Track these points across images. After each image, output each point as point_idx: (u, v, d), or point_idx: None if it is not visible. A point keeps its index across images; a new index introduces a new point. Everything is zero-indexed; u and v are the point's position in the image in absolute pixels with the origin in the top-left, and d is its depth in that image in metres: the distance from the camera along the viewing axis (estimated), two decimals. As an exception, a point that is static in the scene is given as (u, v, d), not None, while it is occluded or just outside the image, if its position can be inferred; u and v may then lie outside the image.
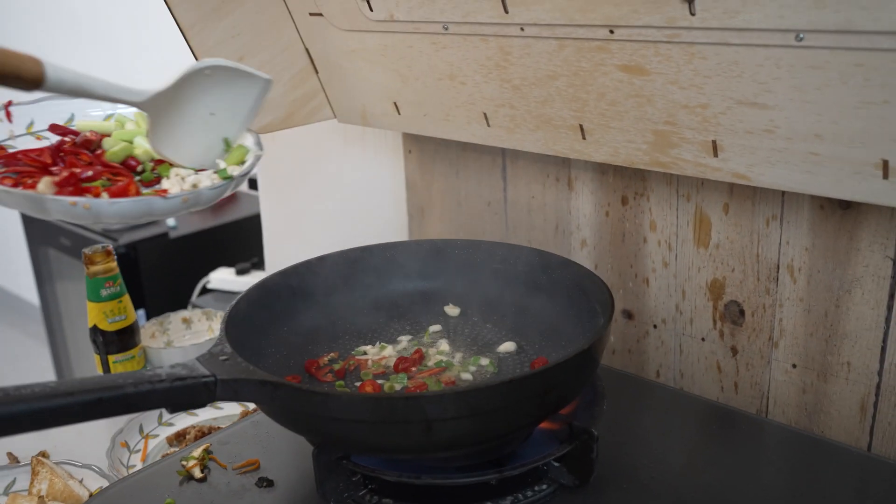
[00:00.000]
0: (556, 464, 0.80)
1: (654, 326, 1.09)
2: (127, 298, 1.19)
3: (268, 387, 0.71)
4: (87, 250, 1.16)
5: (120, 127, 0.92)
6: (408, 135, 1.30)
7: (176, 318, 1.39)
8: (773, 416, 0.99)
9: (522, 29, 0.91)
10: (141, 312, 2.18)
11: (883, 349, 0.87)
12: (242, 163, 0.88)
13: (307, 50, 1.17)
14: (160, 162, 0.87)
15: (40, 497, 0.96)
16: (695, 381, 1.06)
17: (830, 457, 0.86)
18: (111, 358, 1.18)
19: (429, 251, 1.05)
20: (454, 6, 0.94)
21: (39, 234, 2.41)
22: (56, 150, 0.84)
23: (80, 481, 1.00)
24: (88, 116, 0.93)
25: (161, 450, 1.08)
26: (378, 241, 1.06)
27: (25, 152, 0.82)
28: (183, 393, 0.69)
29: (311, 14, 1.11)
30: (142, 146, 0.88)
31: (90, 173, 0.80)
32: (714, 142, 0.84)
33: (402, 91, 1.11)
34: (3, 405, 0.59)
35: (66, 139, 0.88)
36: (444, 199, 1.29)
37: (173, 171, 0.86)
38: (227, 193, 0.86)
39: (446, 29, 0.98)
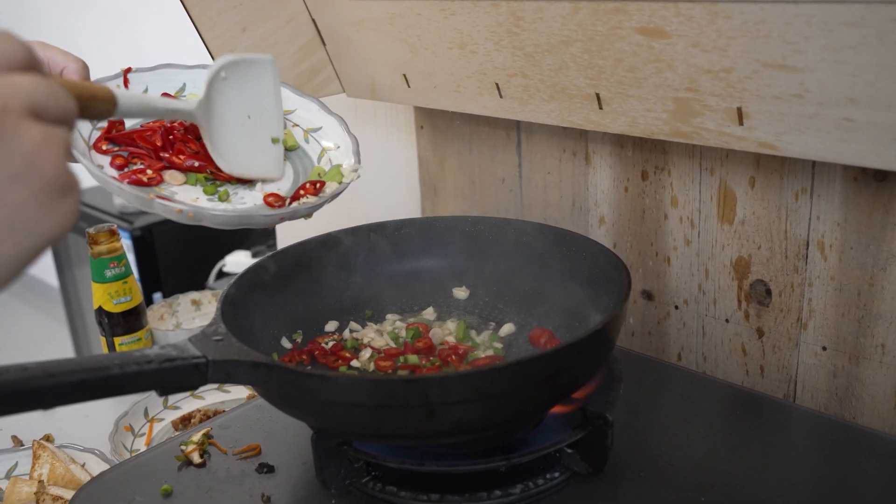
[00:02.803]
0: (568, 450, 0.76)
1: (676, 307, 1.04)
2: (133, 279, 1.16)
3: (261, 369, 0.68)
4: (91, 230, 1.13)
5: None
6: (419, 110, 1.26)
7: (185, 299, 1.37)
8: (802, 402, 0.94)
9: (535, -8, 0.86)
10: (158, 296, 2.16)
11: (920, 330, 0.81)
12: (341, 180, 0.87)
13: (314, 21, 1.13)
14: None
15: (40, 482, 0.94)
16: (718, 365, 1.01)
17: (862, 444, 0.81)
18: (117, 340, 1.15)
19: (439, 229, 1.01)
20: (463, -31, 0.89)
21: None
22: (167, 132, 0.84)
23: (83, 465, 0.98)
24: (197, 87, 0.91)
25: (166, 434, 1.06)
26: (390, 219, 1.02)
27: (140, 133, 0.83)
28: (172, 375, 0.66)
29: (316, -18, 1.07)
30: None
31: (196, 164, 0.82)
32: (739, 109, 0.79)
33: (412, 62, 1.06)
34: (-22, 387, 0.56)
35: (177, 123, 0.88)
36: (458, 176, 1.24)
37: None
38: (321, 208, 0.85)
39: (455, -6, 0.93)
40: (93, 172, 0.75)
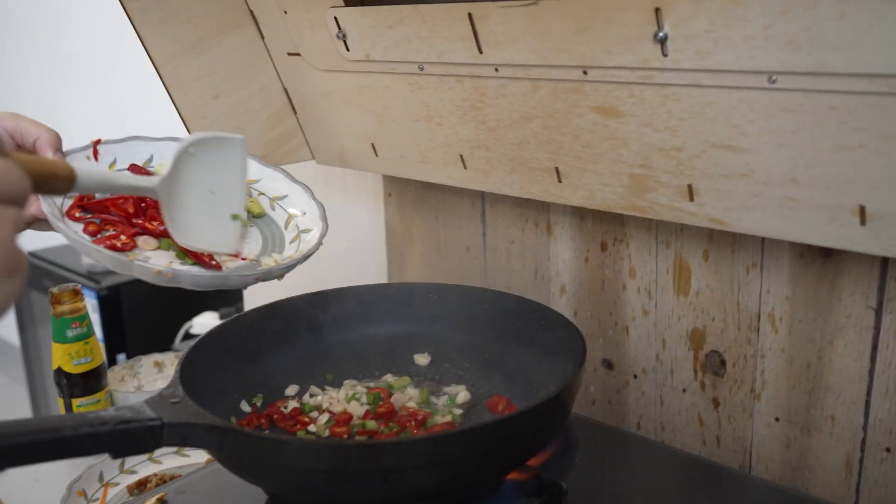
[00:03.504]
0: (522, 519, 0.77)
1: (635, 376, 1.06)
2: (94, 339, 1.16)
3: (217, 432, 0.68)
4: (54, 289, 1.13)
5: None
6: (388, 177, 1.29)
7: (148, 361, 1.36)
8: (757, 472, 0.95)
9: (497, 70, 0.90)
10: (122, 356, 2.14)
11: (867, 403, 0.84)
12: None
13: (285, 89, 1.16)
14: None
15: (-12, 547, 0.92)
16: (676, 434, 1.03)
17: (813, 516, 0.82)
18: (75, 402, 1.14)
19: (402, 295, 1.03)
20: (429, 46, 0.93)
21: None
22: (139, 200, 0.86)
23: (33, 531, 0.96)
24: (164, 158, 0.93)
25: (121, 499, 1.04)
26: (357, 284, 1.04)
27: (112, 201, 0.85)
28: (126, 437, 0.66)
29: (289, 54, 1.11)
30: None
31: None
32: (690, 185, 0.82)
33: (380, 132, 1.09)
34: (-72, 446, 0.56)
35: None
36: (424, 243, 1.27)
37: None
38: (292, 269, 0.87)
39: (422, 69, 0.97)
40: (70, 238, 0.77)
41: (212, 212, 0.82)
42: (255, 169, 0.95)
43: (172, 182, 0.76)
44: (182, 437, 0.68)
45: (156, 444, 0.67)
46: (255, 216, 0.92)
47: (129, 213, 0.85)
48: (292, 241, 0.91)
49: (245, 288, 0.86)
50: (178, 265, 0.82)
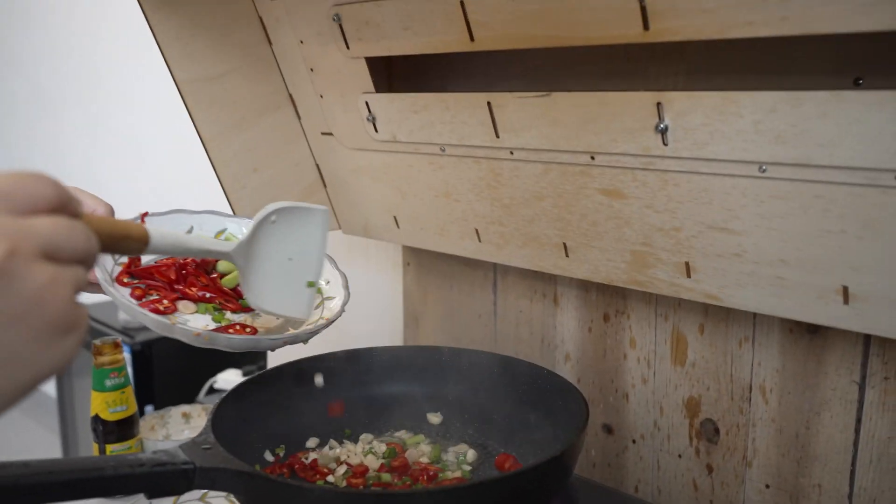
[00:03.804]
0: (526, 572, 0.76)
1: (634, 441, 1.06)
2: (130, 390, 1.17)
3: (244, 477, 0.69)
4: (97, 341, 1.15)
5: None
6: (407, 248, 1.31)
7: (176, 412, 1.36)
8: (748, 537, 0.94)
9: (512, 153, 0.93)
10: (150, 408, 2.14)
11: (852, 473, 0.84)
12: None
13: (317, 165, 1.20)
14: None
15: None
16: (672, 498, 1.02)
17: (802, 580, 0.81)
18: (109, 447, 1.14)
19: (417, 357, 1.04)
20: (450, 130, 0.96)
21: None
22: (180, 267, 0.88)
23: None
24: (204, 230, 0.95)
25: (146, 541, 1.04)
26: (374, 346, 1.05)
27: (156, 268, 0.87)
28: (162, 478, 0.67)
29: (322, 133, 1.14)
30: None
31: (207, 295, 0.87)
32: (687, 263, 0.84)
33: (402, 206, 1.12)
34: (-20, 480, 0.57)
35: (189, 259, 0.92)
36: (438, 310, 1.28)
37: None
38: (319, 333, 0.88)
39: (443, 150, 1.00)
40: (119, 302, 0.78)
41: (288, 278, 0.80)
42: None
43: (250, 247, 0.75)
44: (212, 480, 0.69)
45: (188, 486, 0.68)
46: None
47: (171, 279, 0.87)
48: (317, 307, 0.92)
49: (273, 350, 0.87)
50: (213, 328, 0.83)
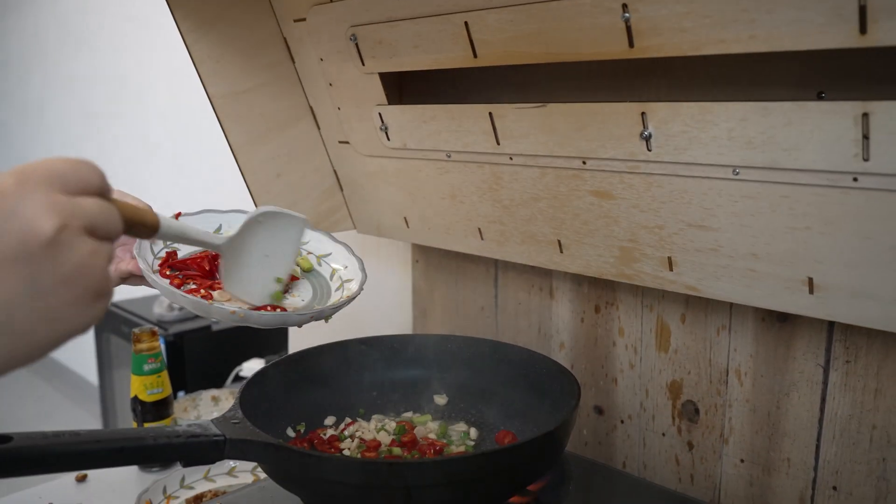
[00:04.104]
0: (523, 535, 0.78)
1: (622, 421, 1.08)
2: (165, 374, 1.20)
3: (270, 448, 0.71)
4: (136, 330, 1.18)
5: None
6: (416, 246, 1.34)
7: (206, 395, 1.39)
8: (726, 508, 0.96)
9: (511, 158, 0.95)
10: (181, 394, 2.17)
11: (817, 447, 0.85)
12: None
13: (335, 171, 1.22)
14: (293, 278, 0.93)
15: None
16: (656, 472, 1.04)
17: (773, 545, 0.83)
18: (146, 425, 1.18)
19: (425, 344, 1.06)
20: (456, 138, 0.99)
21: (103, 320, 2.44)
22: (213, 258, 0.91)
23: (105, 534, 0.98)
24: (231, 227, 0.98)
25: (180, 510, 1.06)
26: (386, 334, 1.07)
27: (192, 260, 0.91)
28: (196, 448, 0.69)
29: (339, 142, 1.17)
30: None
31: None
32: (669, 258, 0.86)
33: (412, 208, 1.15)
34: (42, 446, 0.60)
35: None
36: (444, 303, 1.31)
37: (294, 287, 0.93)
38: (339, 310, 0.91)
39: (449, 157, 1.02)
40: (163, 289, 0.81)
41: (261, 271, 0.85)
42: (305, 233, 1.00)
43: (236, 241, 0.80)
44: (241, 451, 0.72)
45: (219, 456, 0.71)
46: (305, 270, 0.96)
47: (206, 269, 0.90)
48: (337, 290, 0.95)
49: (300, 326, 0.89)
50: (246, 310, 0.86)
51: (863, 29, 0.59)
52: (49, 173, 0.42)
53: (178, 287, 0.86)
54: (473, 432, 0.96)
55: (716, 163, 0.75)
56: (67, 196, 0.42)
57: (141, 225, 0.58)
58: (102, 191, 0.45)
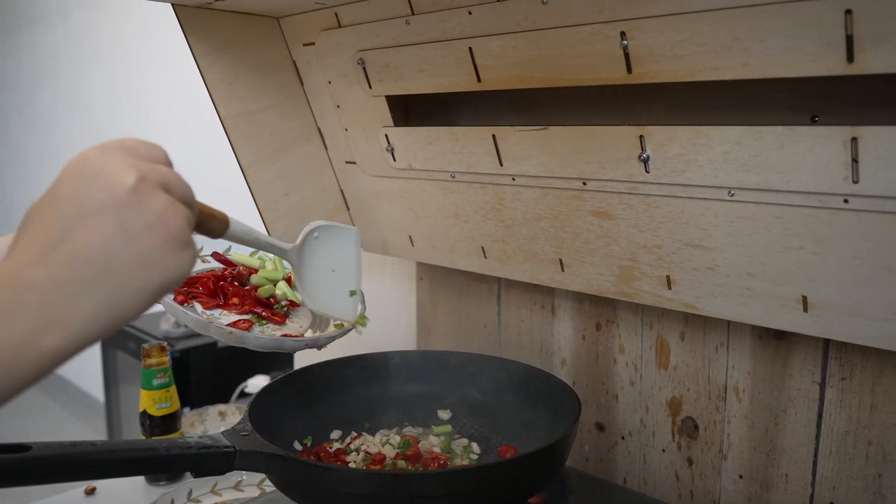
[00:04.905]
0: (524, 547, 0.80)
1: (623, 438, 1.09)
2: (173, 389, 1.21)
3: (278, 459, 0.73)
4: (145, 345, 1.20)
5: (262, 265, 1.01)
6: (420, 264, 1.36)
7: (213, 410, 1.41)
8: (725, 523, 0.98)
9: (514, 179, 0.98)
10: (186, 409, 2.19)
11: (814, 463, 0.87)
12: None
13: (342, 190, 1.25)
14: (293, 304, 0.96)
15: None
16: (656, 488, 1.05)
17: (771, 559, 0.84)
18: (155, 439, 1.19)
19: (429, 360, 1.08)
20: (460, 159, 1.02)
21: (111, 336, 2.46)
22: (217, 279, 0.94)
23: (113, 546, 1.00)
24: (239, 250, 1.01)
25: (187, 523, 1.08)
26: (391, 350, 1.09)
27: (197, 277, 0.93)
28: (207, 459, 0.71)
29: (346, 162, 1.20)
30: (281, 289, 0.96)
31: (244, 307, 0.91)
32: (668, 276, 0.88)
33: (416, 227, 1.17)
34: (59, 455, 0.62)
35: (225, 270, 0.98)
36: (448, 320, 1.33)
37: (295, 313, 0.95)
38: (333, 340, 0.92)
39: (453, 177, 1.05)
40: (165, 304, 0.83)
41: (333, 287, 0.86)
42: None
43: (301, 252, 0.81)
44: (250, 462, 0.74)
45: (229, 466, 0.73)
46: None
47: (211, 288, 0.93)
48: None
49: (294, 352, 0.90)
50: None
51: (850, 58, 0.61)
52: (125, 143, 0.47)
53: (182, 304, 0.89)
54: (476, 446, 0.97)
55: (712, 184, 0.77)
56: (143, 160, 0.47)
57: (212, 218, 0.60)
58: (169, 165, 0.50)
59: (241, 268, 1.00)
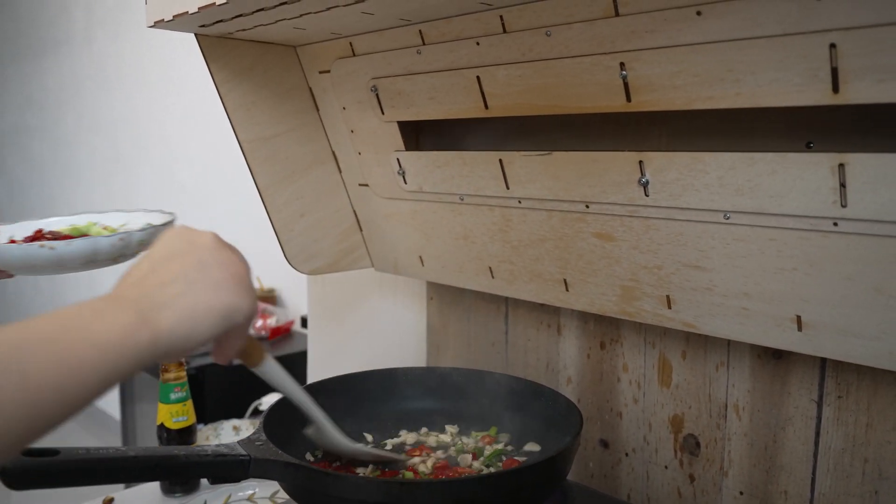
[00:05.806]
0: (527, 558, 0.82)
1: (626, 454, 1.11)
2: (190, 403, 1.25)
3: (291, 468, 0.77)
4: (163, 360, 1.24)
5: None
6: (430, 284, 1.39)
7: (228, 425, 1.45)
8: (726, 540, 0.99)
9: (520, 202, 1.01)
10: (201, 425, 2.22)
11: (813, 480, 0.89)
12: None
13: (354, 212, 1.29)
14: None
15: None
16: (659, 505, 1.07)
17: (769, 574, 0.86)
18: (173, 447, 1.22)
19: (439, 377, 1.11)
20: (469, 182, 1.05)
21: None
22: (32, 238, 0.97)
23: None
24: (134, 224, 1.05)
25: (200, 534, 1.11)
26: (400, 366, 1.12)
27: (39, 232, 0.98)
28: (223, 466, 0.75)
29: (360, 185, 1.24)
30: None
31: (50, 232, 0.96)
32: (668, 296, 0.91)
33: (426, 247, 1.21)
34: (86, 459, 0.66)
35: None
36: (457, 338, 1.36)
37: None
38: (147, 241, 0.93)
39: (462, 199, 1.09)
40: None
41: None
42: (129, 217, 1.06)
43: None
44: (264, 470, 0.77)
45: (244, 474, 0.76)
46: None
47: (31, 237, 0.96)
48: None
49: (114, 254, 0.90)
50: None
51: (835, 88, 0.65)
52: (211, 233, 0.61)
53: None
54: (485, 458, 1.00)
55: (708, 208, 0.81)
56: None
57: (253, 346, 0.71)
58: None
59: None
